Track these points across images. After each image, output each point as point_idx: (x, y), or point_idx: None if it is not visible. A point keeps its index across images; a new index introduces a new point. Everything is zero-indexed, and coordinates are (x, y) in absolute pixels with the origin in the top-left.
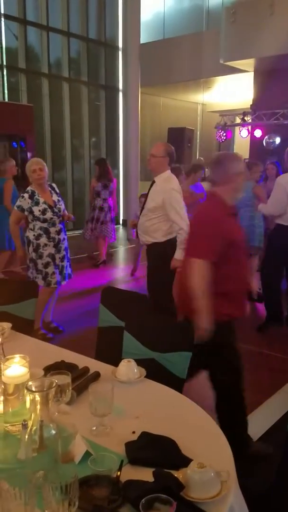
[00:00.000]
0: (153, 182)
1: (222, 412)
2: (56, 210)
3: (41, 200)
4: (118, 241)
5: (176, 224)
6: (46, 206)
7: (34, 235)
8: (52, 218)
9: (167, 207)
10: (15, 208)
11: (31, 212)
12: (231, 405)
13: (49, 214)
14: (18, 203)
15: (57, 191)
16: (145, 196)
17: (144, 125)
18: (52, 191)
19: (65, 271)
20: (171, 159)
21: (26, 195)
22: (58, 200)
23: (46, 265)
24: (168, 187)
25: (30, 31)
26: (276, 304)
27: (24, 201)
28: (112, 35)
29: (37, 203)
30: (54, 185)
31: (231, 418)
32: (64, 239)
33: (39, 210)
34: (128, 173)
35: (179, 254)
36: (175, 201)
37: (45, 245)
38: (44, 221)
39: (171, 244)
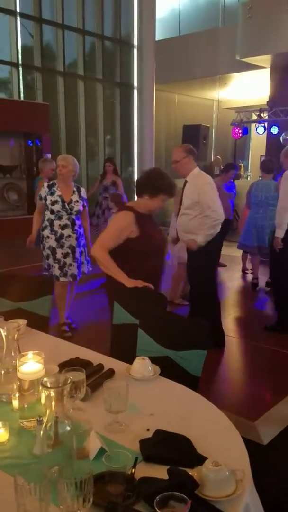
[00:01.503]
0: (186, 181)
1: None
2: (67, 206)
3: (57, 192)
4: None
5: (208, 217)
6: (58, 199)
7: (42, 225)
8: (59, 211)
9: (202, 200)
10: (37, 198)
11: (45, 200)
12: None
13: (57, 207)
14: (39, 192)
15: (82, 195)
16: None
17: (159, 122)
18: (76, 192)
19: (67, 269)
20: (194, 156)
21: (45, 185)
22: (77, 201)
23: (47, 256)
24: (200, 181)
25: (46, 30)
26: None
27: (42, 190)
28: (127, 33)
29: (52, 194)
30: (83, 189)
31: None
32: (70, 236)
33: (51, 200)
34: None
35: (200, 239)
36: (207, 195)
37: (47, 237)
38: (52, 212)
39: (218, 238)
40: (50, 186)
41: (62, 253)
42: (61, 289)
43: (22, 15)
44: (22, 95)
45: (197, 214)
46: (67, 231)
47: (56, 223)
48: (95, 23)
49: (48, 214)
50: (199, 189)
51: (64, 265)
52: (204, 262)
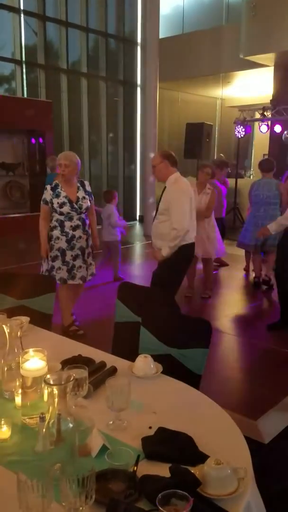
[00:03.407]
0: (165, 187)
1: None
2: (76, 206)
3: (63, 193)
4: (135, 237)
5: (172, 228)
6: (65, 200)
7: (50, 226)
8: (69, 213)
9: (170, 209)
10: (41, 202)
11: (52, 203)
12: None
13: (66, 208)
14: (43, 196)
15: (87, 189)
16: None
17: (162, 120)
18: (81, 187)
19: (76, 272)
20: (170, 161)
21: (48, 187)
22: (83, 197)
23: (54, 258)
24: (174, 188)
25: (49, 27)
26: None
27: (46, 193)
28: (131, 30)
29: (57, 196)
30: (86, 182)
31: None
32: (81, 237)
33: (58, 203)
34: (145, 169)
35: (165, 250)
36: (176, 204)
37: (57, 238)
38: (61, 214)
39: (185, 249)
40: (53, 188)
41: (72, 255)
42: (67, 292)
43: (26, 13)
44: (25, 92)
45: (166, 220)
46: (78, 232)
47: (67, 224)
48: (99, 21)
49: (56, 215)
50: (171, 196)
51: (73, 268)
52: (166, 275)
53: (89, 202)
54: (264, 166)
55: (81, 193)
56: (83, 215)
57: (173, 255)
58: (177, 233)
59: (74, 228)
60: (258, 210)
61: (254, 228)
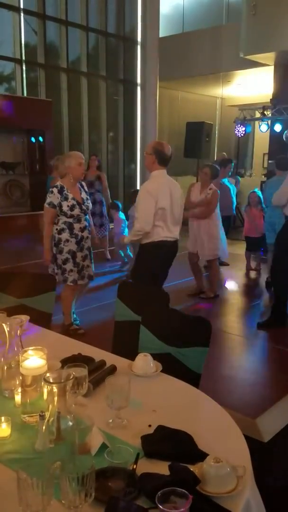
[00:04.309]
0: None
1: None
2: (84, 207)
3: (70, 195)
4: None
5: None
6: (74, 202)
7: (56, 229)
8: (79, 214)
9: (136, 205)
10: (46, 205)
11: (60, 207)
12: None
13: (76, 211)
14: (48, 199)
15: (86, 189)
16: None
17: (162, 119)
18: (81, 189)
19: (85, 271)
20: (158, 159)
21: (55, 190)
22: (87, 198)
23: (65, 261)
24: (145, 185)
25: (49, 26)
26: (283, 304)
27: (53, 196)
28: (131, 29)
29: (66, 198)
30: (83, 183)
31: None
32: (88, 237)
33: (68, 206)
34: (145, 168)
35: (127, 238)
36: (140, 200)
37: (67, 240)
38: (71, 216)
39: (151, 246)
40: (60, 191)
41: (81, 256)
42: (72, 292)
43: (26, 12)
44: (25, 91)
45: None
46: (85, 233)
47: (76, 226)
48: (99, 20)
49: (64, 218)
50: (139, 192)
51: (82, 268)
52: (137, 271)
53: (90, 203)
54: (278, 163)
55: (83, 194)
56: (87, 216)
57: (141, 252)
58: (137, 230)
59: (82, 230)
60: (274, 208)
61: (273, 228)
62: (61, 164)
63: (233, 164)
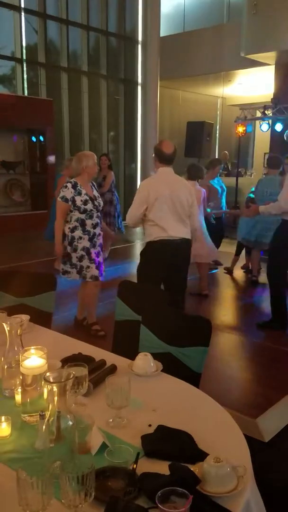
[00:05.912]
0: None
1: None
2: (96, 203)
3: (83, 191)
4: (136, 235)
5: None
6: (87, 198)
7: (69, 228)
8: (92, 210)
9: None
10: (59, 199)
11: (73, 201)
12: None
13: (89, 206)
14: (61, 194)
15: (97, 189)
16: None
17: (162, 119)
18: (93, 187)
19: (100, 268)
20: (158, 157)
21: (69, 185)
22: (99, 196)
23: (81, 258)
24: (143, 182)
25: (50, 25)
26: (283, 306)
27: (67, 191)
28: (131, 28)
29: (79, 193)
30: (93, 183)
31: None
32: (100, 234)
33: (81, 200)
34: (146, 168)
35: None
36: (136, 195)
37: (80, 237)
38: (84, 211)
39: (149, 245)
40: (74, 186)
41: (95, 253)
42: (95, 288)
43: (27, 11)
44: (26, 91)
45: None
46: (97, 230)
47: (89, 222)
48: (100, 19)
49: (77, 214)
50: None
51: (99, 264)
52: (138, 269)
53: (101, 200)
54: (269, 162)
55: (95, 192)
56: (99, 213)
57: (142, 251)
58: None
59: (94, 226)
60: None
61: (258, 225)
62: (77, 164)
63: (222, 165)
